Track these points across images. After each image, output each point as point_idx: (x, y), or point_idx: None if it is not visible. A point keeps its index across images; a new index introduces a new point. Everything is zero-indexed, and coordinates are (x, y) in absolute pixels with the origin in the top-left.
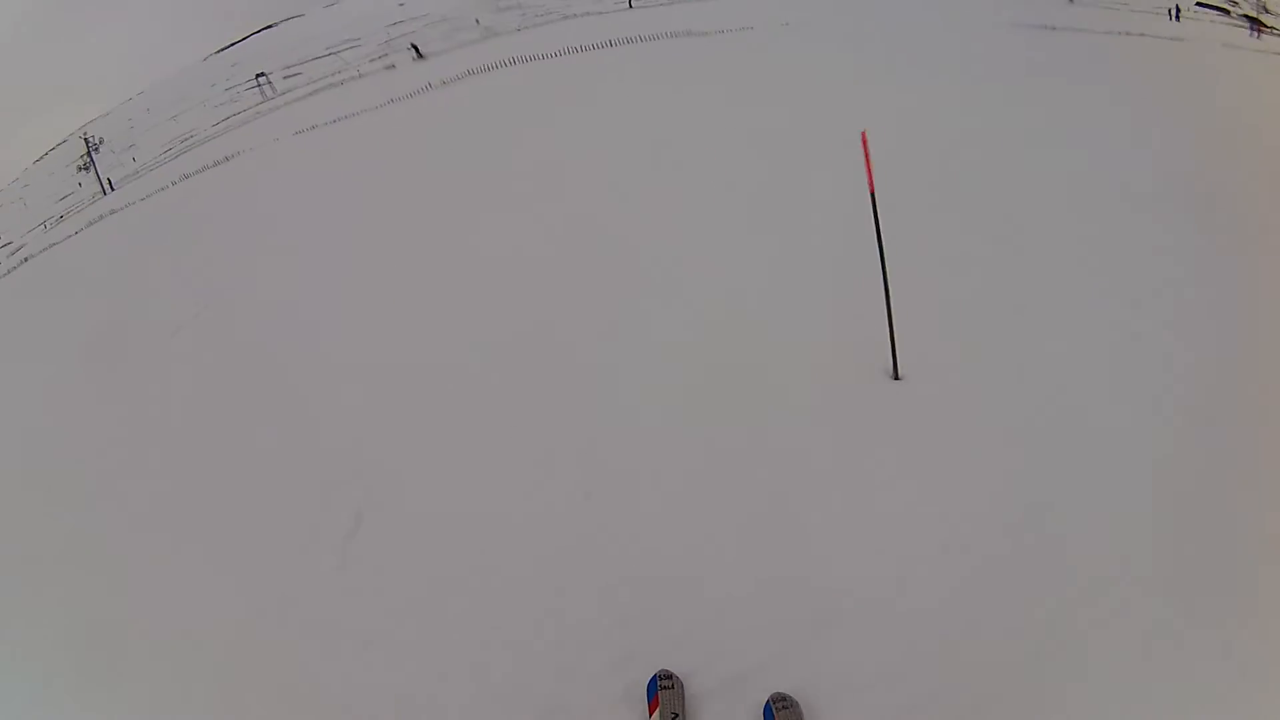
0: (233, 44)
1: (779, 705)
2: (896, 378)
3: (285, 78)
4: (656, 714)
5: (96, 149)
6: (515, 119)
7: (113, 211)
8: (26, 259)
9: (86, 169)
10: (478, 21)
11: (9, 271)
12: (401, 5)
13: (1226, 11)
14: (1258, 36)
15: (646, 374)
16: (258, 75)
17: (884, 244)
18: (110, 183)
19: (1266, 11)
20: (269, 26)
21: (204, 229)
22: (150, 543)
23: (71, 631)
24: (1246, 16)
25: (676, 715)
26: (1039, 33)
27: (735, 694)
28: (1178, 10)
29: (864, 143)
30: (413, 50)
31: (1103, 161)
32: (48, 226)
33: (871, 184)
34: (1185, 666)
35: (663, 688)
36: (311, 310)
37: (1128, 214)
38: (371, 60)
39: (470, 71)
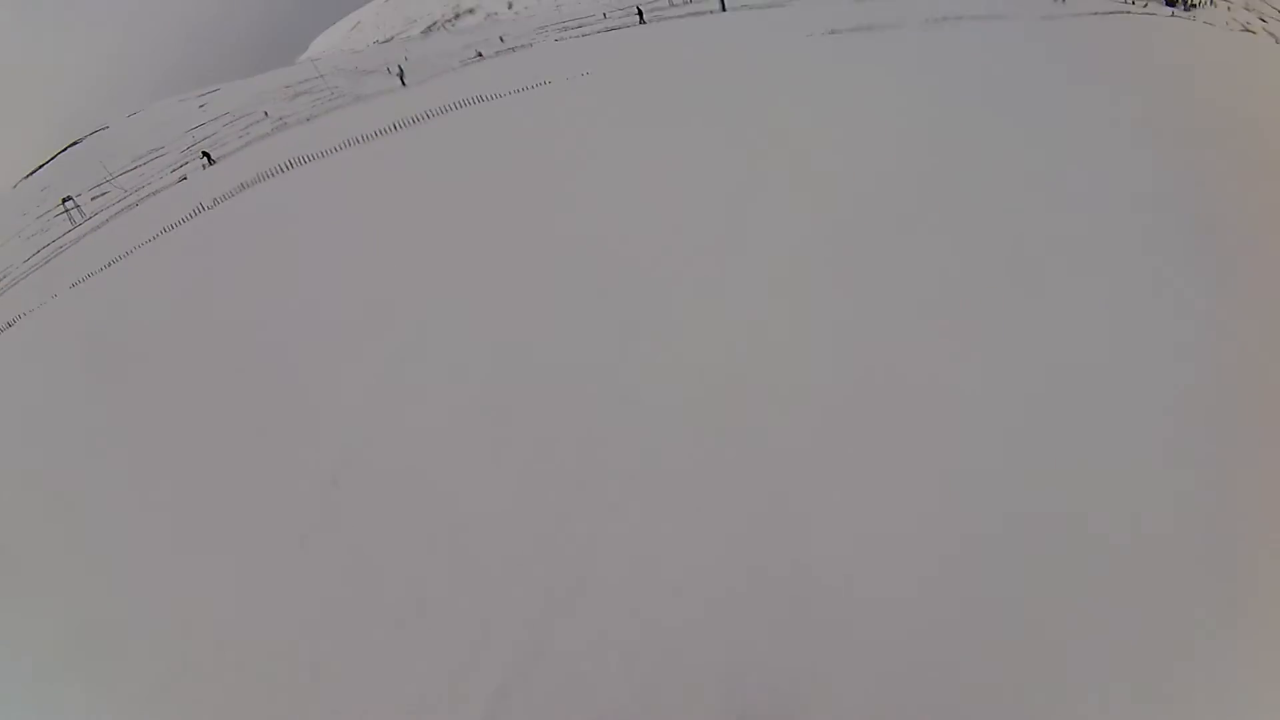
0: (41, 166)
1: None
2: None
3: (93, 199)
4: None
5: None
6: (289, 239)
7: None
8: None
9: None
10: (266, 114)
11: None
12: (202, 107)
13: None
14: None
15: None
16: (64, 200)
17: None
18: None
19: None
20: (75, 143)
21: None
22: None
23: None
24: None
25: None
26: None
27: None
28: None
29: None
30: (204, 158)
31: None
32: None
33: None
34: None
35: None
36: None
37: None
38: (173, 170)
39: (242, 185)
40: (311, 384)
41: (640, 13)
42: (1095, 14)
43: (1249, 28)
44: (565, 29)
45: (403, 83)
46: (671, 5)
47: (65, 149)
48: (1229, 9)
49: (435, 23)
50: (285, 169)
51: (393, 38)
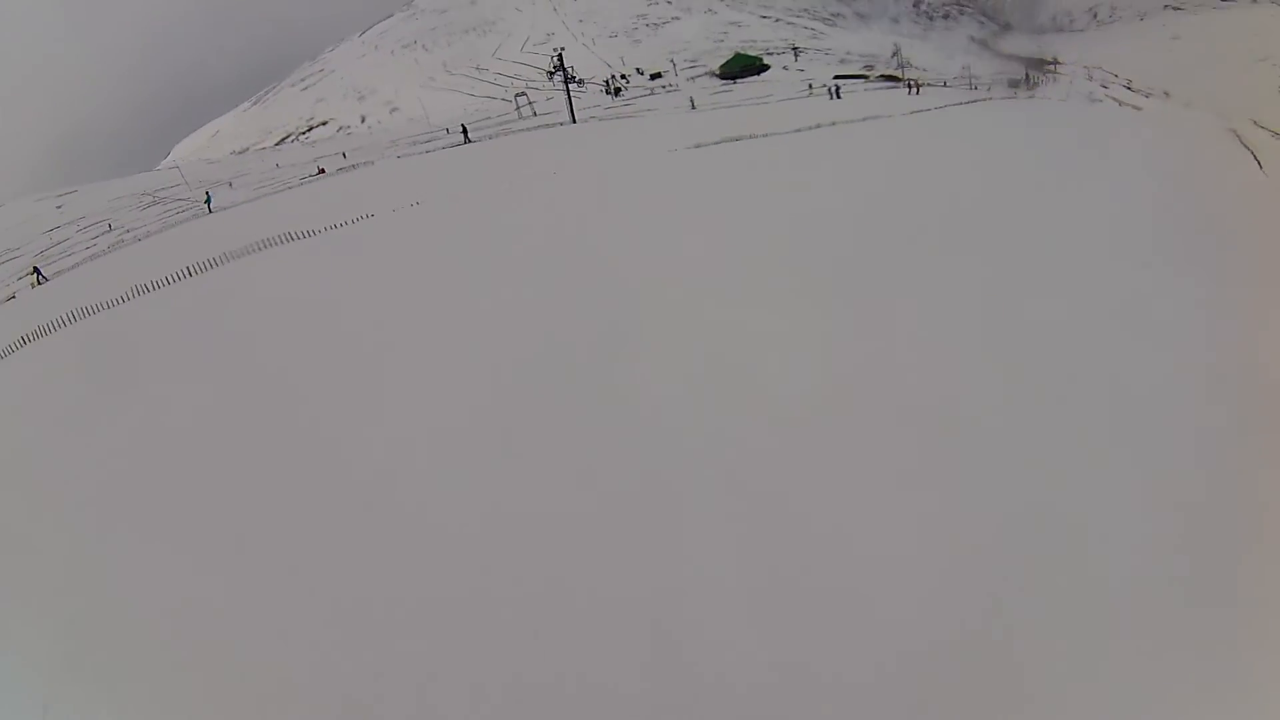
0: None
1: None
2: None
3: None
4: None
5: None
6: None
7: None
8: None
9: None
10: (110, 227)
11: None
12: (59, 209)
13: (865, 77)
14: (915, 93)
15: None
16: None
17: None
18: None
19: (909, 65)
20: None
21: None
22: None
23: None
24: (885, 77)
25: None
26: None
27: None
28: (837, 89)
29: None
30: (35, 274)
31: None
32: None
33: None
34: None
35: None
36: None
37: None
38: (20, 278)
39: (23, 340)
40: None
41: (465, 131)
42: (958, 104)
43: (1093, 97)
44: (415, 143)
45: (209, 210)
46: (521, 118)
47: None
48: (1070, 82)
49: (289, 134)
50: (85, 314)
51: (248, 148)
